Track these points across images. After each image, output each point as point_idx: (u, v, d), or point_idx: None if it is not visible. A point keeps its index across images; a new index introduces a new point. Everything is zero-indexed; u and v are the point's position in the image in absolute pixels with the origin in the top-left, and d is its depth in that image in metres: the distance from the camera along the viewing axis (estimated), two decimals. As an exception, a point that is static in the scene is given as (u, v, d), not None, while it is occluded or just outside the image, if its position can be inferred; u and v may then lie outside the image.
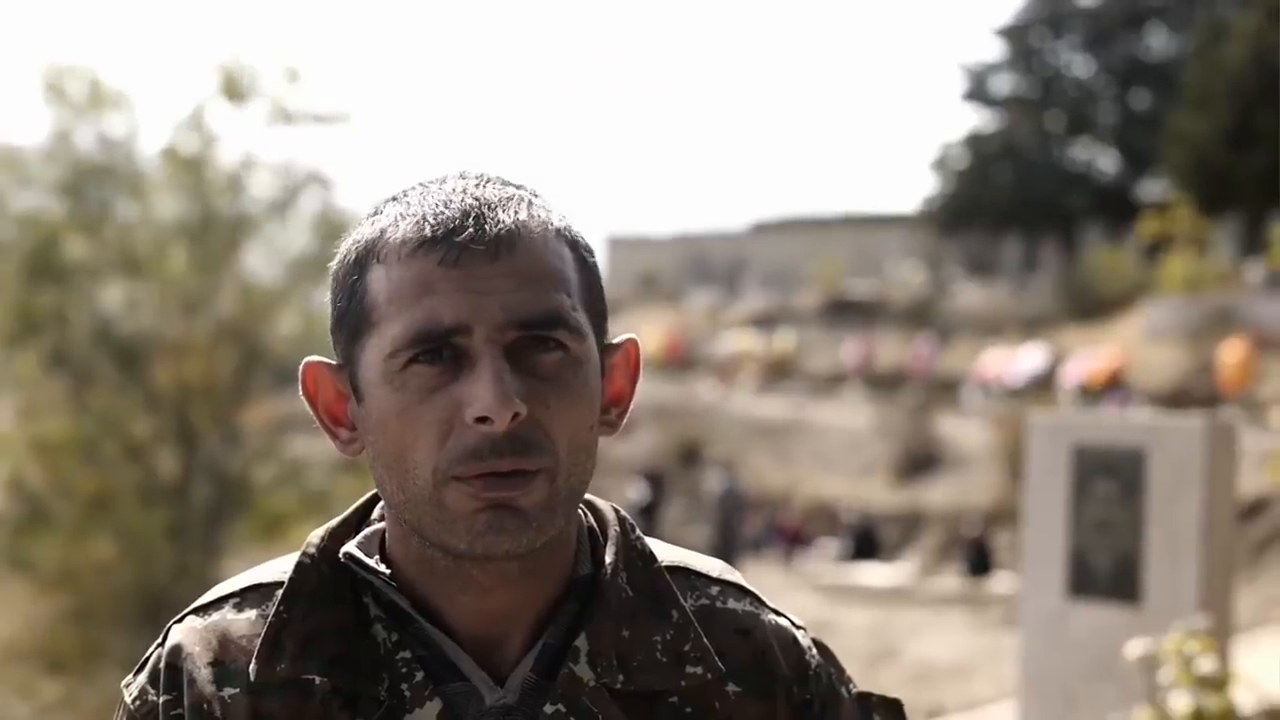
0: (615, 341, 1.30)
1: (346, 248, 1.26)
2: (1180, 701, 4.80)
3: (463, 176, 1.25)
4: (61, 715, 15.21)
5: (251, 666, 1.22)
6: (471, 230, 1.19)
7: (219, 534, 17.84)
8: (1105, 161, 43.89)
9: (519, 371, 1.18)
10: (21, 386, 18.51)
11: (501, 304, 1.18)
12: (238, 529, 18.04)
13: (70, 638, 16.54)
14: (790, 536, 21.43)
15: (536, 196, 1.27)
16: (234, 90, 18.24)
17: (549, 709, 1.22)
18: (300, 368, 1.29)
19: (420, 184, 1.26)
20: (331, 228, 18.45)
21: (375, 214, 1.26)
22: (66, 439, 17.54)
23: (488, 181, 1.25)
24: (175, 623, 1.30)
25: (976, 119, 48.91)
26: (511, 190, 1.25)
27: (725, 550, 16.91)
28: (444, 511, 1.19)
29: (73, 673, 15.96)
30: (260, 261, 19.13)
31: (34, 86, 18.60)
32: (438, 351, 1.18)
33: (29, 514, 17.66)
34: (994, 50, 46.30)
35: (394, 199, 1.26)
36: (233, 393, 18.10)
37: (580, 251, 1.26)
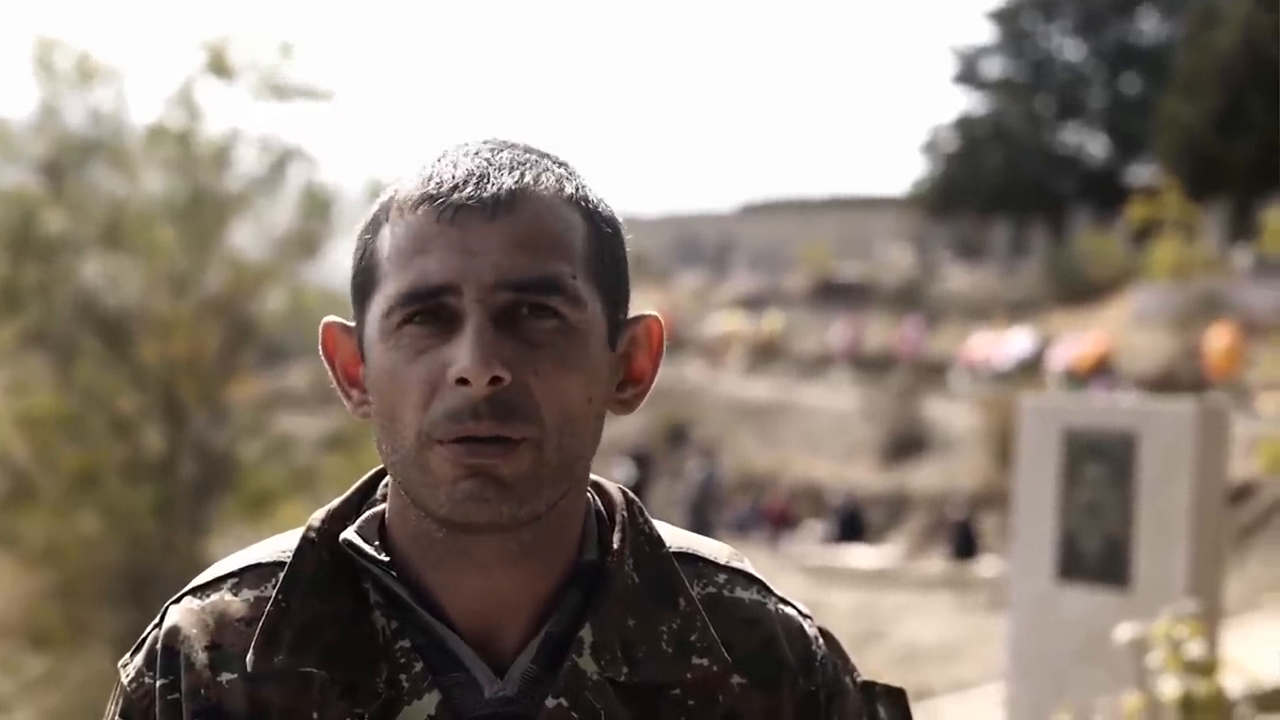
0: (634, 317, 1.27)
1: (370, 209, 1.25)
2: (1169, 686, 4.80)
3: (486, 142, 1.24)
4: (46, 691, 15.18)
5: (249, 657, 1.20)
6: (471, 189, 1.17)
7: (205, 510, 17.78)
8: (1095, 146, 43.90)
9: (510, 337, 1.16)
10: (5, 361, 18.43)
11: (493, 265, 1.16)
12: (224, 506, 17.99)
13: (55, 613, 16.49)
14: (776, 518, 21.45)
15: (560, 165, 1.24)
16: (222, 66, 18.14)
17: (550, 703, 1.19)
18: (320, 327, 1.27)
19: (448, 148, 1.24)
20: (318, 205, 18.38)
21: (401, 177, 1.24)
22: (52, 414, 17.47)
23: (509, 147, 1.23)
24: (173, 603, 1.27)
25: (966, 102, 48.94)
26: (529, 156, 1.23)
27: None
28: (427, 474, 1.17)
29: (58, 649, 15.93)
30: (247, 237, 19.05)
31: (22, 60, 18.49)
32: (433, 313, 1.16)
33: (14, 489, 17.60)
34: (985, 33, 46.32)
35: (422, 162, 1.24)
36: (220, 369, 18.03)
37: (596, 222, 1.23)
